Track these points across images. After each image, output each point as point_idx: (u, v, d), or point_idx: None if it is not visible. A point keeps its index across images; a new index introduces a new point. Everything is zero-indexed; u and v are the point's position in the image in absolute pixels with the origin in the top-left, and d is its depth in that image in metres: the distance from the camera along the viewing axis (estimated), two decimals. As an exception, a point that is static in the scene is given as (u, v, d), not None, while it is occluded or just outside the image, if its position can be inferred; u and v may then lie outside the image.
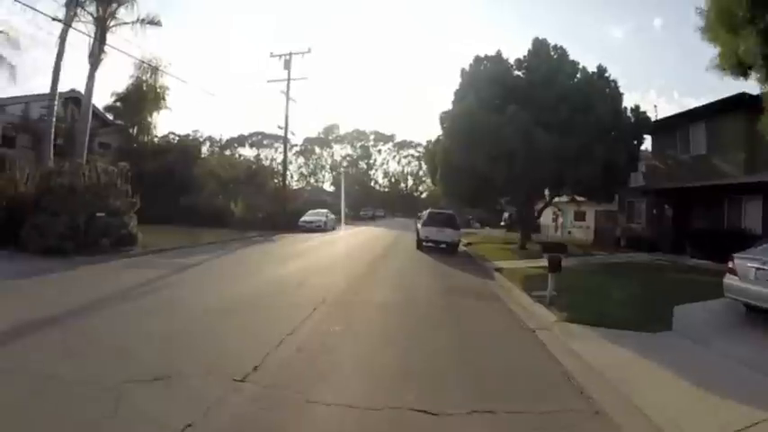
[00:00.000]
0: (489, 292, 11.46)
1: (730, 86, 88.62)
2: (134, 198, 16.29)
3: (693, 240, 19.44)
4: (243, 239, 22.41)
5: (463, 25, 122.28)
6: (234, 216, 28.61)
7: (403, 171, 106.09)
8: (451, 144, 19.51)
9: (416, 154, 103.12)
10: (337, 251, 19.29)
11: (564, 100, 18.59)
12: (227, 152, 74.14)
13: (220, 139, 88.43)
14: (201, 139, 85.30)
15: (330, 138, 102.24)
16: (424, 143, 40.73)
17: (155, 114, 32.33)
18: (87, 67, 19.37)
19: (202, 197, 28.98)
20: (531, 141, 17.03)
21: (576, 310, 8.19)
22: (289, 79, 32.30)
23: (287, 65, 32.17)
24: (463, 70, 21.31)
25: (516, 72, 20.89)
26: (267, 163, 63.09)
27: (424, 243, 20.99)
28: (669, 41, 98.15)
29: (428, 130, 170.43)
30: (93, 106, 30.84)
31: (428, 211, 23.25)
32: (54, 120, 19.41)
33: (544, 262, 16.56)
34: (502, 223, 46.85)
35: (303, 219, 32.29)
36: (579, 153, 17.65)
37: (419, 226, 22.49)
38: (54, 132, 19.76)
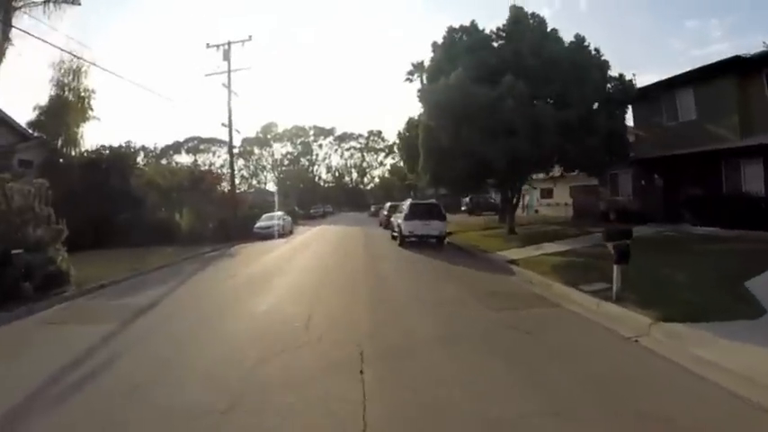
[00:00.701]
0: (528, 293, 9.52)
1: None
2: (59, 224, 12.81)
3: (691, 208, 18.55)
4: (197, 257, 19.17)
5: (402, 10, 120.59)
6: (181, 229, 25.35)
7: (346, 164, 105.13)
8: (438, 123, 17.25)
9: (358, 146, 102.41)
10: (314, 261, 16.20)
11: (555, 69, 16.86)
12: (164, 161, 69.53)
13: (155, 148, 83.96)
14: (134, 149, 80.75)
15: (269, 136, 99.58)
16: (396, 135, 37.93)
17: (81, 124, 28.22)
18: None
19: (142, 212, 25.53)
20: (533, 115, 15.08)
21: (656, 304, 7.02)
22: (229, 71, 29.14)
23: (226, 55, 29.05)
24: (435, 44, 19.16)
25: (497, 43, 18.92)
26: (206, 168, 59.03)
27: (407, 239, 18.80)
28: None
29: (369, 120, 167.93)
30: (11, 119, 26.92)
31: (408, 202, 20.90)
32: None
33: (553, 247, 15.20)
34: (463, 208, 45.50)
35: (258, 225, 29.32)
36: (580, 125, 15.93)
37: (398, 221, 20.25)
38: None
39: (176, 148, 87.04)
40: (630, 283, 7.93)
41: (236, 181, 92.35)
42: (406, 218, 18.99)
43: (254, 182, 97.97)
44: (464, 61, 16.76)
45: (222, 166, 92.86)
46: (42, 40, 26.87)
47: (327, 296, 9.93)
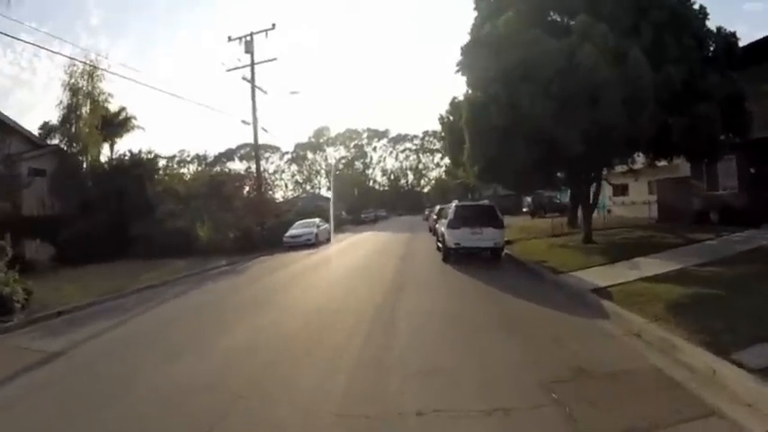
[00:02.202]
0: (643, 372, 5.03)
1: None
2: (2, 239, 11.44)
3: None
4: (200, 274, 16.32)
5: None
6: (199, 240, 22.45)
7: (402, 166, 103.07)
8: (487, 93, 12.60)
9: (413, 147, 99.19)
10: (323, 289, 12.08)
11: (644, 16, 12.15)
12: (217, 168, 68.27)
13: (205, 156, 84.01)
14: (189, 159, 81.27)
15: (322, 141, 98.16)
16: (438, 119, 33.03)
17: (94, 131, 25.99)
18: None
19: (158, 221, 22.88)
20: (624, 72, 10.48)
21: None
22: (252, 63, 26.17)
23: (248, 47, 26.07)
24: (478, -3, 14.43)
25: None
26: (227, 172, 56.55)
27: (453, 252, 14.56)
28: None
29: (424, 121, 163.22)
30: (21, 128, 25.22)
31: (454, 204, 15.94)
32: None
33: (654, 264, 10.60)
34: (524, 209, 40.71)
35: (288, 233, 25.86)
36: (686, 88, 11.20)
37: (442, 229, 15.97)
38: None
39: (229, 155, 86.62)
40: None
41: (290, 186, 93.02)
42: (451, 225, 14.53)
43: (309, 186, 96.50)
44: (520, 13, 12.14)
45: (275, 173, 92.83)
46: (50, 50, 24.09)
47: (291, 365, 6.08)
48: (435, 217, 24.40)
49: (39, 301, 10.92)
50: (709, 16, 14.41)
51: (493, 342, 6.37)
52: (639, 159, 19.24)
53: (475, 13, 14.37)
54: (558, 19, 13.42)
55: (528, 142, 11.96)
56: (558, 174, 17.28)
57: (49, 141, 26.90)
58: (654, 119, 11.28)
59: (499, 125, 12.08)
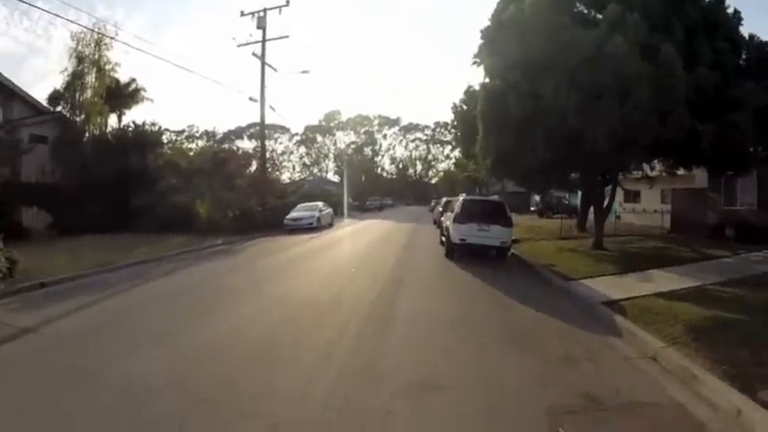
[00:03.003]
0: (663, 408, 4.42)
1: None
2: None
3: None
4: (190, 253, 15.82)
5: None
6: (200, 217, 21.98)
7: (411, 156, 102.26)
8: (506, 80, 11.85)
9: (424, 137, 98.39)
10: (316, 278, 11.36)
11: (676, 13, 11.40)
12: (225, 146, 67.66)
13: (214, 133, 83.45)
14: (197, 134, 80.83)
15: (332, 125, 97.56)
16: (450, 108, 32.21)
17: (99, 100, 25.46)
18: None
19: (159, 196, 22.42)
20: (658, 68, 9.71)
21: None
22: (264, 40, 25.49)
23: (261, 23, 25.36)
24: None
25: None
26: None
27: (456, 249, 13.95)
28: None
29: (436, 111, 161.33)
30: (24, 92, 24.72)
31: (461, 198, 15.27)
32: None
33: (669, 278, 9.94)
34: (532, 208, 40.08)
35: (289, 216, 25.42)
36: (717, 94, 10.47)
37: (447, 222, 15.33)
38: None
39: (238, 133, 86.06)
40: None
41: (297, 168, 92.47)
42: (457, 219, 13.86)
43: (316, 170, 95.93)
44: None
45: (283, 153, 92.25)
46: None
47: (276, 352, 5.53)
48: (441, 209, 23.74)
49: (25, 272, 10.57)
50: (743, 21, 13.68)
51: (497, 356, 5.77)
52: (657, 166, 18.52)
53: (497, -2, 13.48)
54: (586, 11, 12.63)
55: (548, 136, 11.21)
56: (573, 174, 16.55)
57: (54, 109, 26.42)
58: (683, 123, 10.54)
59: (517, 116, 11.32)
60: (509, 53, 11.51)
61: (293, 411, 4.11)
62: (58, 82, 28.53)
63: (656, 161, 17.22)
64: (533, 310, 8.15)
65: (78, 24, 29.21)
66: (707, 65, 11.19)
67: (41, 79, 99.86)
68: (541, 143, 11.29)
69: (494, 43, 12.38)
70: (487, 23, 13.02)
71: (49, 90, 27.62)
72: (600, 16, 11.26)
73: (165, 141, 29.24)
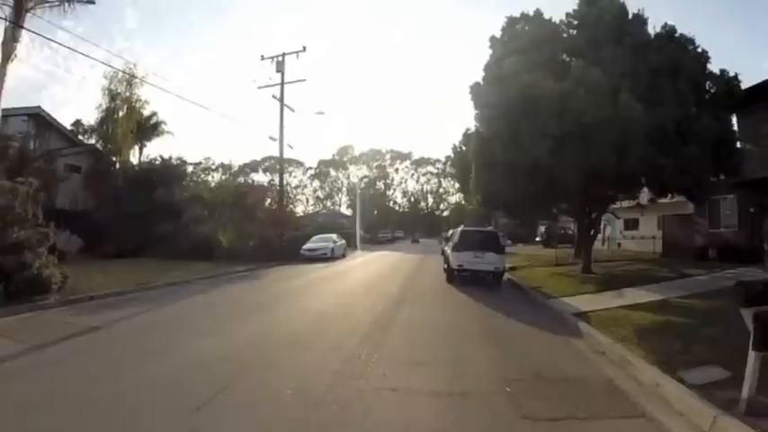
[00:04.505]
0: (594, 379, 5.87)
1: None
2: (47, 227, 11.99)
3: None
4: (219, 277, 17.33)
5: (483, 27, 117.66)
6: (221, 246, 23.64)
7: (422, 189, 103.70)
8: (491, 128, 13.70)
9: (435, 171, 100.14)
10: (331, 296, 13.11)
11: (642, 60, 13.14)
12: (241, 179, 69.95)
13: (230, 166, 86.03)
14: (214, 167, 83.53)
15: (345, 159, 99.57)
16: (450, 149, 34.22)
17: (133, 133, 27.65)
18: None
19: (184, 225, 24.19)
20: (615, 113, 11.40)
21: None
22: (283, 83, 27.52)
23: (279, 66, 27.44)
24: (493, 38, 15.72)
25: (567, 33, 15.25)
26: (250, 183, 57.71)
27: (456, 273, 15.44)
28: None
29: (447, 146, 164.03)
30: (60, 124, 27.07)
31: (460, 229, 17.17)
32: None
33: (639, 295, 11.31)
34: (537, 238, 41.24)
35: (306, 246, 27.21)
36: (678, 130, 12.05)
37: (448, 251, 16.90)
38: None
39: (254, 166, 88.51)
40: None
41: (311, 201, 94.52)
42: (456, 248, 15.55)
43: (329, 203, 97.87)
44: (527, 54, 13.35)
45: (297, 187, 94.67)
46: (47, 38, 26.19)
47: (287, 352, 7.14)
48: (445, 240, 25.36)
49: (71, 287, 11.76)
50: (710, 60, 15.19)
51: (472, 349, 7.26)
52: (646, 195, 19.91)
53: (490, 52, 15.50)
54: (567, 58, 14.40)
55: (528, 175, 12.94)
56: (555, 208, 18.06)
57: (84, 140, 28.60)
58: (644, 159, 12.17)
59: (502, 159, 13.12)
60: (492, 105, 13.34)
61: (313, 376, 5.64)
62: (79, 111, 30.69)
63: (641, 191, 18.61)
64: (512, 320, 9.69)
65: (110, 66, 31.25)
66: (668, 104, 12.75)
67: (61, 106, 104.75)
68: (523, 182, 12.97)
69: (480, 96, 14.29)
70: (476, 80, 14.98)
71: (69, 117, 29.74)
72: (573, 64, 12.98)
73: (188, 174, 31.15)
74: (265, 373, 5.77)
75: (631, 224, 29.75)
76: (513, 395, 5.13)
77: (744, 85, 15.45)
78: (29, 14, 14.91)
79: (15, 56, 14.40)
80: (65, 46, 71.85)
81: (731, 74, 15.08)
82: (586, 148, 11.94)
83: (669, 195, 16.59)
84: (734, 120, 16.61)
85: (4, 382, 5.35)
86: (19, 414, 4.42)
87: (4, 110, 18.93)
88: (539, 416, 4.58)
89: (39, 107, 25.81)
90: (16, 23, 14.16)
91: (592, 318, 8.97)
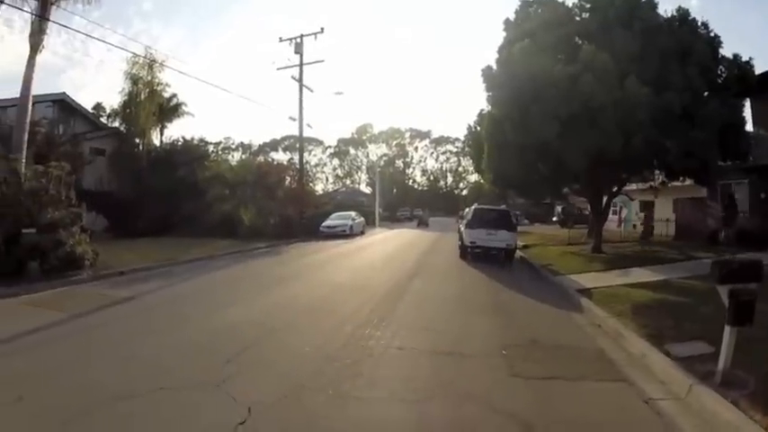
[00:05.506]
0: (587, 348, 6.39)
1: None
2: (78, 207, 12.60)
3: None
4: (241, 253, 18.11)
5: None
6: (243, 223, 24.41)
7: (441, 168, 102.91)
8: (502, 111, 14.13)
9: (454, 149, 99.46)
10: (349, 270, 13.76)
11: (651, 44, 13.35)
12: (260, 158, 70.85)
13: (250, 145, 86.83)
14: (233, 146, 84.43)
15: (364, 137, 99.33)
16: (465, 129, 34.10)
17: (155, 116, 28.41)
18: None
19: (207, 204, 24.98)
20: (622, 98, 11.68)
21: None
22: (301, 64, 28.02)
23: (298, 48, 27.90)
24: (507, 21, 16.01)
25: (579, 17, 15.36)
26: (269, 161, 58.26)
27: (469, 250, 16.01)
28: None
29: (466, 124, 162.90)
30: (84, 109, 27.97)
31: (473, 207, 17.69)
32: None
33: (643, 274, 11.74)
34: (554, 218, 41.28)
35: (325, 224, 28.05)
36: (684, 114, 12.28)
37: (462, 228, 17.47)
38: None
39: (273, 145, 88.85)
40: (749, 354, 4.81)
41: (330, 180, 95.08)
42: (469, 225, 16.13)
43: (349, 181, 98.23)
44: (539, 38, 13.71)
45: (316, 165, 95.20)
46: (70, 28, 26.78)
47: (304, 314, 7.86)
48: (461, 219, 25.84)
49: (101, 263, 12.25)
50: (722, 45, 15.24)
51: (477, 319, 7.87)
52: (657, 177, 20.02)
53: (504, 34, 15.85)
54: (579, 41, 14.65)
55: (538, 156, 13.31)
56: (567, 188, 18.33)
57: (107, 123, 29.50)
58: (650, 142, 12.46)
59: (513, 141, 13.52)
60: (504, 88, 13.72)
61: (330, 337, 6.32)
62: (98, 94, 31.33)
63: (658, 173, 18.76)
64: (519, 295, 10.28)
65: (131, 52, 31.82)
66: (676, 88, 12.96)
67: (80, 89, 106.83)
68: (533, 163, 13.37)
69: (492, 79, 14.69)
70: (489, 63, 15.29)
71: (88, 100, 30.45)
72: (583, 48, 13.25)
73: (209, 154, 31.93)
74: (286, 335, 6.48)
75: (647, 206, 29.69)
76: (508, 357, 5.71)
77: (760, 70, 15.45)
78: (53, 7, 15.41)
79: (43, 47, 14.90)
80: (87, 35, 72.27)
81: (745, 58, 15.15)
82: (593, 132, 12.32)
83: (681, 179, 16.73)
84: (747, 105, 16.67)
85: (54, 344, 6.04)
86: (73, 367, 5.14)
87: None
88: (528, 375, 5.15)
89: (63, 93, 26.65)
90: (42, 16, 14.73)
91: (594, 294, 9.45)
